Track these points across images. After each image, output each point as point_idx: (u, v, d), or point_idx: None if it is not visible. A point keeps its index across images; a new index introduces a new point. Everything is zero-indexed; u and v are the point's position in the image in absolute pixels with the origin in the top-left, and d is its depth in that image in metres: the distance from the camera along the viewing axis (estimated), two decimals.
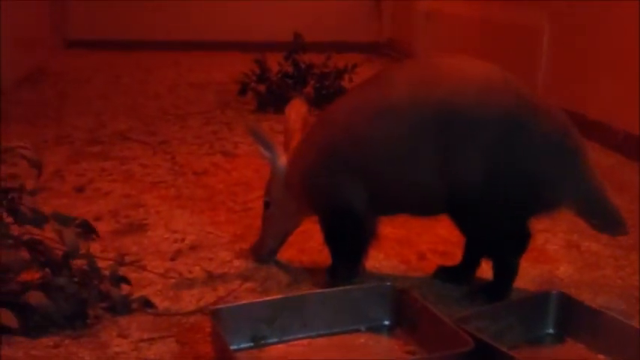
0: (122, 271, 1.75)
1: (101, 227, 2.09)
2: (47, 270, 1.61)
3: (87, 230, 1.65)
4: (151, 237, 2.10)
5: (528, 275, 1.90)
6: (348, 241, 1.81)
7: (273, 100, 3.95)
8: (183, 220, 2.24)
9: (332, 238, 1.81)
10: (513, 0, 4.21)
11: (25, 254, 1.59)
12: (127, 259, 1.89)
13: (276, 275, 1.87)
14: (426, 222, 2.27)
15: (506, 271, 1.73)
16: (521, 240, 1.73)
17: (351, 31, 6.41)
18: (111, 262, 1.75)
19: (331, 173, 1.75)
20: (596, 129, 3.27)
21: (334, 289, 1.63)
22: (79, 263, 1.63)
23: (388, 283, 1.63)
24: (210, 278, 1.83)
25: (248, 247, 2.02)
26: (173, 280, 1.81)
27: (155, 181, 2.64)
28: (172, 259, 1.94)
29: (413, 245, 2.10)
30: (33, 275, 1.64)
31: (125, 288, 1.68)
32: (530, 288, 1.82)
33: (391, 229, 2.22)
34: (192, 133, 3.39)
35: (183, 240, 2.08)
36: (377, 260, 1.98)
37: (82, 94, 4.25)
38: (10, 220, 1.59)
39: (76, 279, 1.59)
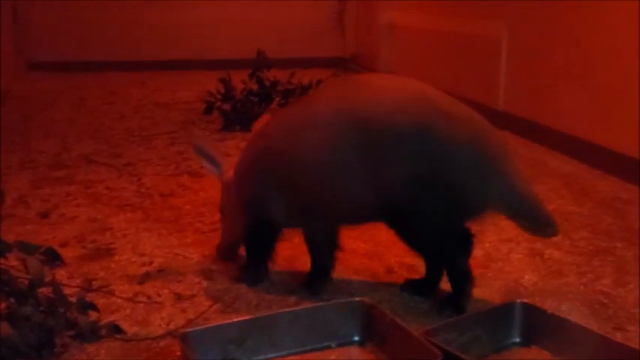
0: (90, 297, 1.74)
1: (67, 253, 2.09)
2: (11, 299, 1.60)
3: (52, 257, 1.63)
4: (119, 261, 2.09)
5: (494, 285, 1.94)
6: (261, 247, 1.95)
7: (238, 119, 3.96)
8: (151, 243, 2.23)
9: (249, 242, 1.97)
10: (473, 12, 4.29)
11: None
12: (95, 284, 1.88)
13: (246, 295, 1.87)
14: (394, 236, 2.31)
15: (459, 275, 1.77)
16: (461, 244, 1.76)
17: (315, 46, 6.46)
18: (78, 289, 1.74)
19: (257, 185, 1.86)
20: (557, 138, 3.34)
21: (303, 307, 1.64)
22: (44, 291, 1.61)
23: (357, 299, 1.64)
24: (179, 300, 1.83)
25: (217, 268, 2.03)
26: (142, 304, 1.80)
27: (121, 204, 2.62)
28: (140, 283, 1.93)
29: (381, 259, 2.12)
30: None
31: (93, 314, 1.66)
32: (496, 298, 1.85)
33: (360, 243, 2.25)
34: (157, 154, 3.38)
35: (151, 263, 2.07)
36: (346, 275, 1.99)
37: (46, 117, 4.22)
38: None
39: (42, 308, 1.58)
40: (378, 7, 5.73)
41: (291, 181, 1.79)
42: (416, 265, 2.07)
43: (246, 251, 1.99)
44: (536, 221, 1.73)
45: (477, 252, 2.17)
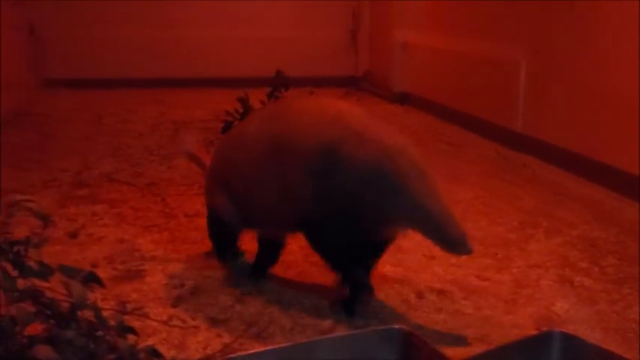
0: (125, 319, 1.75)
1: (98, 274, 2.09)
2: (52, 322, 1.61)
3: (92, 281, 1.64)
4: (150, 283, 2.10)
5: (525, 312, 1.94)
6: (220, 244, 2.20)
7: None
8: (180, 265, 2.24)
9: (211, 237, 2.22)
10: (491, 34, 4.32)
11: (30, 307, 1.58)
12: (129, 307, 1.89)
13: (279, 319, 1.88)
14: (423, 260, 2.33)
15: (354, 284, 1.90)
16: (366, 257, 1.91)
17: (328, 65, 6.50)
18: (113, 311, 1.75)
19: (212, 188, 2.10)
20: (579, 161, 3.35)
21: (340, 334, 1.64)
22: (84, 314, 1.62)
23: (395, 326, 1.64)
24: (214, 324, 1.84)
25: (248, 290, 2.04)
26: (177, 328, 1.80)
27: (147, 225, 2.63)
28: (174, 306, 1.94)
29: (411, 284, 2.13)
30: (36, 328, 1.63)
31: (131, 338, 1.67)
32: (529, 325, 1.86)
33: (389, 267, 2.26)
34: (179, 174, 3.39)
35: (182, 285, 2.08)
36: (377, 300, 2.00)
37: (65, 135, 4.24)
38: (15, 273, 1.58)
39: (82, 331, 1.59)
40: (392, 27, 5.76)
41: (233, 192, 2.00)
42: (446, 291, 2.08)
43: (212, 245, 2.23)
44: (445, 239, 1.77)
45: (505, 277, 2.19)
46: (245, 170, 1.94)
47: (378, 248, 1.93)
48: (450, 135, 4.41)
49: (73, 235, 2.48)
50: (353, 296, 1.91)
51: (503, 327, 1.85)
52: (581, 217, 2.77)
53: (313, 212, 1.80)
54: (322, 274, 2.16)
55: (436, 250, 2.38)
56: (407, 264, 2.29)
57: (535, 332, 1.76)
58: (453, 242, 1.77)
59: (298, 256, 2.34)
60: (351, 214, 1.78)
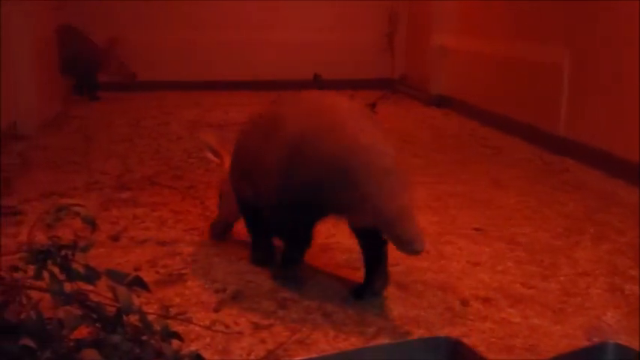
0: (168, 324, 1.75)
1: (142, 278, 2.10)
2: (98, 326, 1.61)
3: (139, 286, 1.64)
4: (192, 287, 2.10)
5: (575, 322, 1.89)
6: (256, 228, 2.30)
7: None
8: (222, 269, 2.24)
9: (246, 223, 2.34)
10: (533, 36, 4.25)
11: (76, 311, 1.59)
12: (172, 311, 1.89)
13: (322, 326, 1.86)
14: (466, 267, 2.29)
15: (288, 260, 2.11)
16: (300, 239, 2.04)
17: (365, 68, 6.48)
18: (157, 316, 1.75)
19: (236, 175, 2.25)
20: (623, 166, 3.27)
21: (386, 342, 1.62)
22: (129, 318, 1.63)
23: (443, 335, 1.62)
24: (257, 330, 1.83)
25: (290, 296, 2.03)
26: (220, 333, 1.80)
27: (188, 228, 2.64)
28: (216, 311, 1.94)
29: (455, 291, 2.09)
30: (81, 332, 1.64)
31: (175, 343, 1.67)
32: (579, 335, 1.81)
33: (431, 274, 2.22)
34: (217, 177, 3.39)
35: (224, 290, 2.07)
36: (420, 308, 1.97)
37: (105, 138, 4.29)
38: (62, 277, 1.59)
39: (128, 336, 1.59)
40: (430, 29, 5.72)
41: (249, 176, 2.15)
42: (491, 298, 2.04)
43: (249, 234, 2.33)
44: (398, 238, 1.80)
45: (552, 285, 2.14)
46: (252, 154, 2.11)
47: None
48: (489, 138, 4.35)
49: (115, 238, 2.49)
50: (283, 264, 2.12)
51: (552, 337, 1.80)
52: (629, 223, 2.70)
53: (279, 192, 1.97)
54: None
55: (480, 257, 2.37)
56: (450, 270, 2.26)
57: (587, 343, 1.71)
58: (402, 241, 1.80)
59: (340, 262, 2.32)
60: (305, 203, 1.92)
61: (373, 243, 1.99)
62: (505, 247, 2.48)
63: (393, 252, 2.38)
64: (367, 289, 2.02)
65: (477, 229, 2.66)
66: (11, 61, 4.00)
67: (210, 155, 2.43)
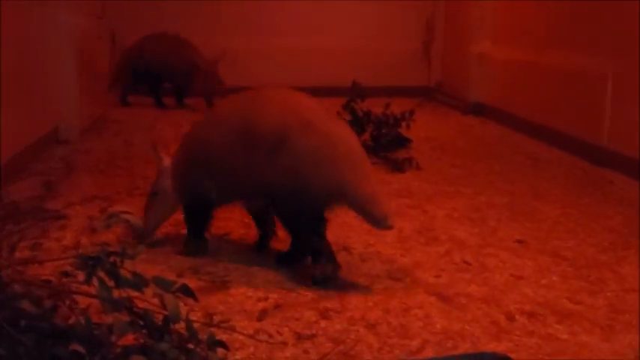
0: (210, 331, 1.75)
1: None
2: (144, 333, 1.62)
3: (185, 293, 1.65)
4: (235, 295, 2.10)
5: (624, 340, 1.85)
6: (199, 222, 2.42)
7: None
8: (263, 277, 2.24)
9: (189, 219, 2.44)
10: (575, 47, 4.19)
11: (125, 317, 1.60)
12: (215, 319, 1.89)
13: (365, 337, 1.84)
14: (510, 280, 2.26)
15: (312, 250, 2.20)
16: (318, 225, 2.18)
17: (401, 75, 6.45)
18: (201, 324, 1.75)
19: (187, 171, 2.35)
20: None
21: (432, 357, 1.60)
22: (175, 326, 1.63)
23: (490, 351, 1.59)
24: (300, 340, 1.82)
25: (332, 306, 2.02)
26: (264, 343, 1.79)
27: (229, 235, 2.65)
28: (259, 319, 1.94)
29: (500, 305, 2.06)
30: (128, 338, 1.65)
31: (220, 351, 1.67)
32: (630, 354, 1.77)
33: (474, 286, 2.20)
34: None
35: (267, 299, 2.07)
36: (465, 321, 1.95)
37: (145, 143, 4.32)
38: (111, 283, 1.60)
39: (174, 343, 1.59)
40: (468, 38, 5.67)
41: (210, 169, 2.28)
42: (537, 313, 2.01)
43: (187, 228, 2.45)
44: (371, 216, 2.09)
45: (600, 301, 2.10)
46: (221, 149, 2.25)
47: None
48: (529, 149, 4.30)
49: (157, 244, 2.51)
50: (316, 260, 2.19)
51: (601, 355, 1.76)
52: None
53: (270, 184, 2.14)
54: (408, 293, 2.14)
55: (523, 270, 2.34)
56: (493, 283, 2.23)
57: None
58: (377, 219, 2.09)
59: (380, 272, 2.30)
60: (296, 188, 2.12)
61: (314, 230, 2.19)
62: (549, 260, 2.44)
63: (436, 264, 2.37)
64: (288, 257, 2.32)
65: (519, 242, 2.63)
66: (55, 67, 4.07)
67: (153, 155, 2.47)
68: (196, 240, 2.44)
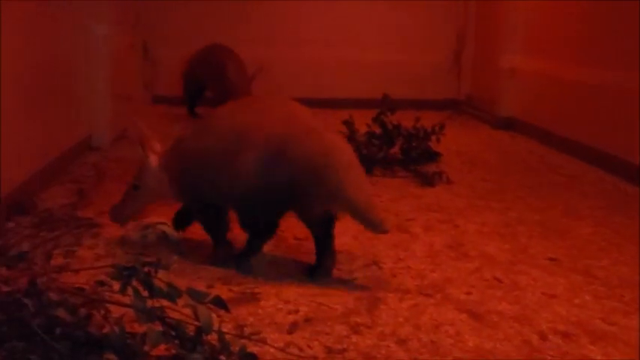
0: (242, 343, 1.75)
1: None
2: (177, 343, 1.63)
3: (218, 305, 1.66)
4: (265, 307, 2.10)
5: None
6: (213, 226, 2.48)
7: (361, 161, 3.95)
8: (294, 290, 2.24)
9: (202, 224, 2.50)
10: (607, 62, 4.14)
11: (158, 327, 1.61)
12: (246, 330, 1.90)
13: (396, 353, 1.83)
14: (542, 298, 2.23)
15: (252, 250, 2.40)
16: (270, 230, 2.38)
17: (430, 88, 6.44)
18: (232, 335, 1.76)
19: (185, 176, 2.41)
20: None
21: None
22: (207, 337, 1.64)
23: None
24: (331, 354, 1.82)
25: (363, 321, 2.01)
26: (295, 356, 1.79)
27: None
28: (290, 332, 1.94)
29: (532, 323, 2.04)
30: (159, 349, 1.66)
31: None
32: None
33: (506, 304, 2.18)
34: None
35: (297, 312, 2.07)
36: (497, 340, 1.93)
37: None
38: (145, 293, 1.62)
39: (206, 354, 1.60)
40: (499, 51, 5.64)
41: (210, 178, 2.34)
42: (571, 334, 1.98)
43: (209, 235, 2.49)
44: (367, 222, 2.21)
45: (634, 322, 2.08)
46: (215, 156, 2.30)
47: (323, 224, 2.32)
48: (561, 165, 4.25)
49: (188, 254, 2.52)
50: (248, 253, 2.40)
51: None
52: None
53: (258, 191, 2.22)
54: (438, 309, 2.12)
55: (556, 289, 2.31)
56: (524, 302, 2.20)
57: None
58: (374, 224, 2.21)
59: (411, 287, 2.29)
60: (289, 196, 2.22)
61: (326, 230, 2.32)
62: (582, 279, 2.41)
63: (467, 280, 2.35)
64: (319, 269, 2.32)
65: (550, 259, 2.60)
66: (88, 75, 4.13)
67: (138, 149, 2.49)
68: (219, 247, 2.48)
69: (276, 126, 2.23)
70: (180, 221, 2.62)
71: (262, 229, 2.38)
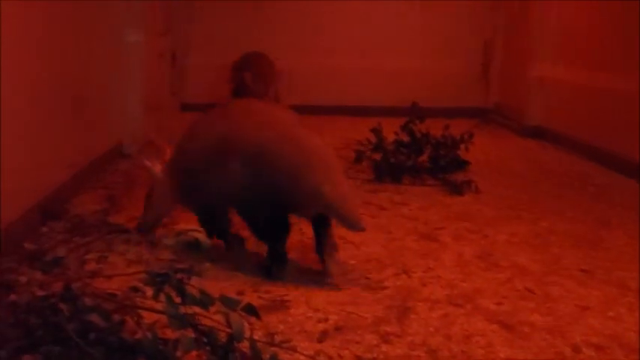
0: (273, 351, 1.75)
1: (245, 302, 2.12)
2: (208, 350, 1.64)
3: (250, 313, 1.66)
4: (295, 315, 2.10)
5: None
6: (211, 224, 2.60)
7: (389, 170, 3.96)
8: (323, 298, 2.24)
9: (201, 222, 2.61)
10: (636, 68, 4.09)
11: (190, 334, 1.62)
12: (276, 338, 1.90)
13: None
14: (575, 310, 2.20)
15: (273, 253, 2.43)
16: (278, 231, 2.42)
17: (458, 96, 6.42)
18: (263, 343, 1.76)
19: (178, 179, 2.55)
20: None
21: None
22: (239, 345, 1.64)
23: None
24: None
25: (393, 330, 2.01)
26: None
27: (287, 253, 2.65)
28: (320, 341, 1.93)
29: (565, 336, 2.01)
30: (190, 355, 1.67)
31: None
32: None
33: (538, 315, 2.15)
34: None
35: (326, 320, 2.07)
36: (529, 351, 1.90)
37: None
38: (177, 300, 1.63)
39: None
40: (527, 60, 5.60)
41: (192, 176, 2.49)
42: (605, 346, 1.95)
43: (218, 234, 2.61)
44: (344, 220, 2.28)
45: None
46: (199, 160, 2.46)
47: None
48: (592, 174, 4.20)
49: (218, 260, 2.53)
50: (270, 261, 2.41)
51: None
52: None
53: (243, 193, 2.35)
54: (469, 319, 2.10)
55: (589, 300, 2.28)
56: (557, 313, 2.18)
57: None
58: (350, 222, 2.27)
59: (440, 297, 2.28)
60: (271, 197, 2.31)
61: (324, 230, 2.40)
62: (615, 291, 2.37)
63: (497, 291, 2.33)
64: (323, 273, 2.37)
65: (583, 271, 2.57)
66: (120, 83, 4.18)
67: (146, 163, 2.66)
68: (229, 246, 2.61)
69: (254, 130, 2.36)
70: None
71: (265, 229, 2.43)
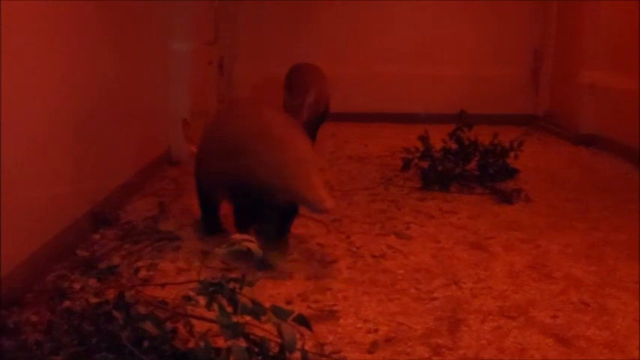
0: None
1: (294, 311, 2.11)
2: (259, 359, 1.63)
3: (301, 323, 1.66)
4: (344, 325, 2.09)
5: None
6: (205, 205, 2.99)
7: (437, 178, 3.92)
8: (372, 308, 2.22)
9: (200, 204, 3.00)
10: None
11: (242, 343, 1.62)
12: (326, 349, 1.89)
13: None
14: (634, 324, 2.13)
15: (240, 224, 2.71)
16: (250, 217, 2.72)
17: (507, 104, 6.32)
18: (313, 354, 1.75)
19: (209, 172, 2.85)
20: None
21: None
22: (290, 356, 1.64)
23: None
24: None
25: (444, 342, 1.97)
26: None
27: (335, 263, 2.65)
28: (370, 352, 1.91)
29: (624, 350, 1.95)
30: None
31: None
32: None
33: (595, 329, 2.09)
34: (361, 211, 3.40)
35: (376, 331, 2.05)
36: None
37: None
38: (229, 309, 1.63)
39: None
40: (579, 67, 5.48)
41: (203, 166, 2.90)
42: None
43: (201, 210, 3.01)
44: (309, 202, 2.46)
45: None
46: (208, 152, 2.82)
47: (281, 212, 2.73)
48: None
49: (266, 269, 2.53)
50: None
51: None
52: None
53: (233, 182, 2.63)
54: (522, 332, 2.06)
55: None
56: (615, 327, 2.11)
57: None
58: (314, 203, 2.44)
59: (493, 309, 2.23)
60: (253, 185, 2.54)
61: (287, 217, 2.76)
62: None
63: (551, 303, 2.27)
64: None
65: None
66: (168, 91, 4.24)
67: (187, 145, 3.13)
68: (206, 220, 2.97)
69: (238, 128, 2.68)
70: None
71: (240, 215, 2.71)
